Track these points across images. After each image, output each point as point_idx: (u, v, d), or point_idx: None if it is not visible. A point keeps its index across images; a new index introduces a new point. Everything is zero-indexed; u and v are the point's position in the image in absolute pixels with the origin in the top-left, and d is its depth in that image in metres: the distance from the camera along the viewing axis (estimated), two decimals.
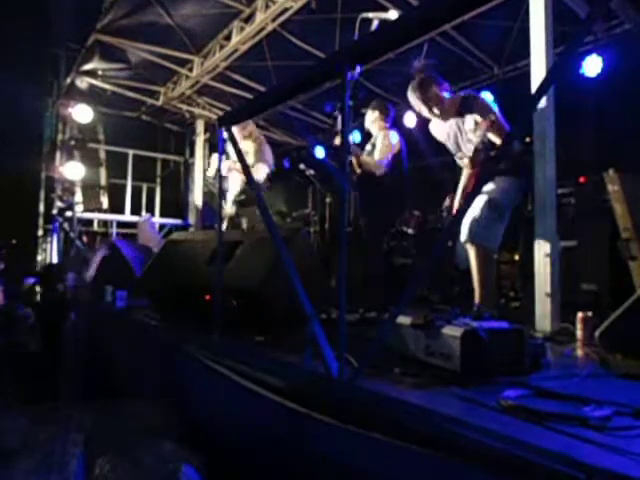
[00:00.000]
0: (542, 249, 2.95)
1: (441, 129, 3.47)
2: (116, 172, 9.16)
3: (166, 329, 3.25)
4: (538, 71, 3.04)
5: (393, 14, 3.23)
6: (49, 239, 8.44)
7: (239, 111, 3.05)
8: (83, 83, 7.83)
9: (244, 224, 4.70)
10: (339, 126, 4.14)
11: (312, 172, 5.39)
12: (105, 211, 9.09)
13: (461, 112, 3.28)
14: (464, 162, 3.21)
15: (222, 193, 3.10)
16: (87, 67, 7.41)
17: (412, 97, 3.36)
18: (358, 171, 4.44)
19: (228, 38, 6.34)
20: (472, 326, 1.77)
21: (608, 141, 5.06)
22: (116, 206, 9.09)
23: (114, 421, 2.44)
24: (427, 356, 1.87)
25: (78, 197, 8.56)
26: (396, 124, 4.87)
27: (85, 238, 8.72)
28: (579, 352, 2.36)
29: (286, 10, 5.48)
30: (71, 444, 2.14)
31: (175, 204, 9.68)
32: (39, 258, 8.62)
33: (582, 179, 4.14)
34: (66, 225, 8.19)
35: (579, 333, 2.51)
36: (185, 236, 5.06)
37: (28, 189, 8.60)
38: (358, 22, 3.16)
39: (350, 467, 1.53)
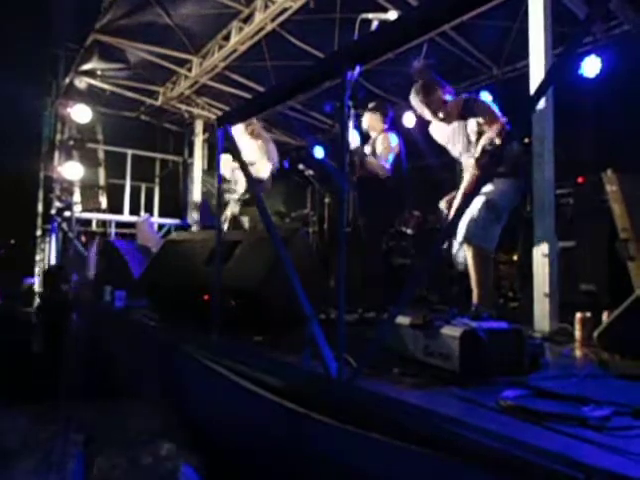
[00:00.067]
0: (541, 249, 2.96)
1: (442, 132, 3.46)
2: (115, 172, 9.15)
3: (165, 329, 3.25)
4: (537, 72, 3.04)
5: (393, 15, 3.23)
6: (48, 239, 8.43)
7: (238, 111, 3.05)
8: (82, 83, 7.82)
9: (246, 224, 4.68)
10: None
11: (311, 172, 5.39)
12: (104, 211, 9.07)
13: (463, 115, 3.27)
14: (469, 162, 3.19)
15: (221, 193, 3.09)
16: (86, 67, 7.40)
17: (415, 100, 3.36)
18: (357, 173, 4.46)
19: (227, 38, 6.34)
20: (471, 326, 1.77)
21: (607, 142, 5.06)
22: (115, 206, 9.07)
23: (113, 421, 2.44)
24: (426, 356, 1.87)
25: (77, 197, 8.55)
26: (395, 124, 4.87)
27: (84, 238, 8.71)
28: (578, 352, 2.36)
29: (285, 10, 5.47)
30: (70, 444, 2.14)
31: (174, 204, 9.67)
32: (37, 258, 8.61)
33: (581, 179, 4.14)
34: (65, 225, 8.18)
35: (578, 333, 2.51)
36: (184, 236, 5.05)
37: (27, 189, 8.58)
38: (358, 23, 3.15)
39: (349, 467, 1.53)
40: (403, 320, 1.98)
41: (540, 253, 2.96)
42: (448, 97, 3.28)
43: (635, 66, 4.71)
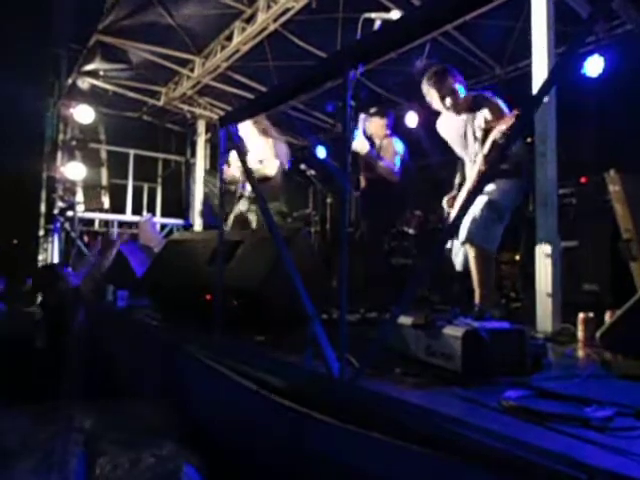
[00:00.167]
0: (543, 249, 2.95)
1: (449, 126, 3.43)
2: (117, 172, 9.17)
3: (167, 329, 3.25)
4: (540, 71, 3.03)
5: (395, 14, 3.22)
6: (50, 239, 8.45)
7: (240, 111, 3.05)
8: (84, 83, 7.84)
9: (253, 223, 4.66)
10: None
11: (313, 172, 5.40)
12: (106, 211, 9.09)
13: (472, 109, 3.27)
14: (478, 158, 3.17)
15: (222, 193, 3.09)
16: (88, 67, 7.42)
17: (426, 85, 3.33)
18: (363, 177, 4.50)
19: (229, 38, 6.34)
20: (473, 326, 1.77)
21: (609, 141, 5.05)
22: (117, 206, 9.09)
23: (115, 421, 2.44)
24: (428, 356, 1.87)
25: (79, 197, 8.58)
26: (397, 128, 4.89)
27: (86, 238, 8.74)
28: (580, 352, 2.35)
29: (287, 10, 5.47)
30: (72, 444, 2.14)
31: (176, 204, 9.69)
32: (40, 258, 8.63)
33: (583, 179, 4.14)
34: (67, 225, 8.20)
35: (580, 334, 2.51)
36: (186, 236, 5.06)
37: (29, 189, 8.61)
38: (360, 22, 3.15)
39: (350, 467, 1.53)
40: (405, 320, 1.98)
41: (542, 253, 2.95)
42: (458, 86, 3.27)
43: (638, 66, 4.70)
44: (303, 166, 5.35)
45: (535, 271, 2.99)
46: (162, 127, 9.42)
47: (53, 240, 8.36)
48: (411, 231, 4.61)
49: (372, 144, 4.53)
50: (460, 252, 3.30)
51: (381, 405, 1.54)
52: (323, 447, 1.63)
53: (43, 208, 8.55)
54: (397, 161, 4.45)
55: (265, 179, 4.53)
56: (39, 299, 6.03)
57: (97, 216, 9.01)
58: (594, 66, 5.15)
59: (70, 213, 8.18)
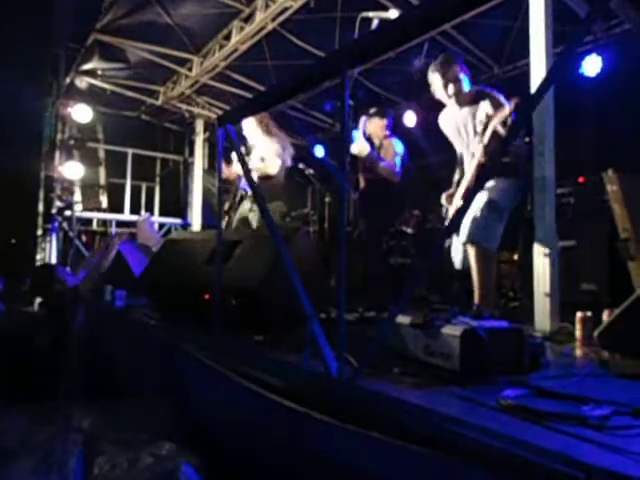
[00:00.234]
0: (541, 249, 2.95)
1: (451, 120, 3.43)
2: (115, 171, 9.16)
3: (165, 328, 3.25)
4: (538, 71, 3.04)
5: (393, 13, 3.23)
6: (48, 238, 8.43)
7: (239, 110, 3.05)
8: (83, 83, 7.83)
9: (254, 223, 4.68)
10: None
11: (311, 171, 5.40)
12: (104, 210, 9.08)
13: (475, 100, 3.27)
14: (478, 148, 3.16)
15: (221, 192, 3.09)
16: (87, 67, 7.41)
17: (431, 70, 3.35)
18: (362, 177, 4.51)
19: (228, 38, 6.34)
20: (472, 325, 1.77)
21: (607, 141, 5.06)
22: (115, 205, 9.08)
23: (114, 421, 2.44)
24: (426, 355, 1.87)
25: (77, 196, 8.55)
26: (396, 128, 4.90)
27: (84, 237, 8.73)
28: (578, 352, 2.36)
29: (286, 9, 5.48)
30: (71, 443, 2.14)
31: (174, 203, 9.69)
32: (38, 257, 8.61)
33: (581, 179, 4.15)
34: (65, 224, 8.19)
35: (578, 333, 2.51)
36: (184, 235, 5.06)
37: (27, 189, 8.58)
38: (358, 21, 3.15)
39: (350, 467, 1.53)
40: (403, 319, 1.98)
41: (541, 252, 2.95)
42: (463, 76, 3.28)
43: (636, 65, 4.70)
44: (302, 165, 5.36)
45: (533, 270, 2.99)
46: (160, 126, 9.41)
47: (51, 240, 8.35)
48: (409, 230, 4.62)
49: (371, 144, 4.54)
50: (460, 250, 3.30)
51: (379, 405, 1.54)
52: (322, 447, 1.63)
53: (41, 207, 8.52)
54: (398, 161, 4.47)
55: (267, 177, 4.59)
56: (38, 299, 6.02)
57: (95, 215, 9.00)
58: (592, 66, 5.16)
59: (68, 212, 8.17)
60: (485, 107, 3.15)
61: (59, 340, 4.56)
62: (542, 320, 2.88)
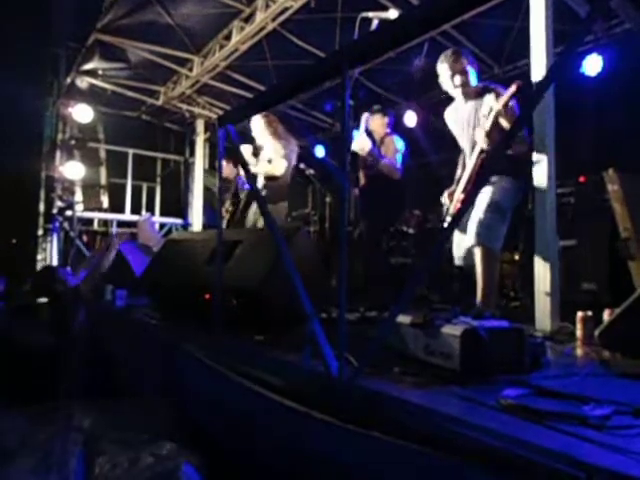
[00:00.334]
0: (542, 248, 2.95)
1: (457, 115, 3.43)
2: (116, 171, 9.16)
3: (166, 328, 3.25)
4: (538, 70, 3.04)
5: (393, 13, 3.23)
6: (49, 239, 8.43)
7: (239, 110, 3.04)
8: (83, 83, 7.83)
9: (259, 222, 4.73)
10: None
11: (312, 171, 5.40)
12: (105, 210, 9.08)
13: (481, 94, 3.28)
14: (480, 136, 3.14)
15: (222, 192, 3.09)
16: (87, 67, 7.42)
17: (440, 61, 3.36)
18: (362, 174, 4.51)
19: (228, 38, 6.34)
20: (472, 325, 1.77)
21: (608, 140, 5.06)
22: (116, 205, 9.09)
23: (114, 420, 2.44)
24: (427, 355, 1.87)
25: (78, 196, 8.56)
26: (396, 128, 4.90)
27: (85, 237, 8.73)
28: (579, 351, 2.36)
29: (286, 10, 5.48)
30: (71, 443, 2.14)
31: (175, 203, 9.69)
32: (39, 257, 8.62)
33: (582, 179, 4.14)
34: (66, 224, 8.19)
35: (579, 332, 2.51)
36: (185, 235, 5.06)
37: (28, 188, 8.58)
38: (358, 21, 3.15)
39: (350, 466, 1.53)
40: (404, 319, 1.98)
41: (541, 252, 2.95)
42: (470, 69, 3.29)
43: (636, 65, 4.70)
44: (302, 165, 5.36)
45: (534, 270, 2.99)
46: (161, 126, 9.42)
47: (52, 240, 8.35)
48: (410, 230, 4.62)
49: (373, 141, 4.55)
50: (461, 247, 3.30)
51: (380, 404, 1.54)
52: (322, 446, 1.63)
53: (42, 207, 8.52)
54: (399, 158, 4.47)
55: (273, 178, 4.72)
56: (40, 300, 6.03)
57: (96, 215, 9.01)
58: (593, 65, 5.16)
59: (69, 212, 8.17)
60: (489, 100, 3.16)
61: (60, 340, 4.56)
62: (543, 320, 2.88)
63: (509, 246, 3.97)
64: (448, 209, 3.46)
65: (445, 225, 3.45)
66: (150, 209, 9.38)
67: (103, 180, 9.19)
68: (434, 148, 6.71)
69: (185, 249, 3.81)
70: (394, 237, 4.62)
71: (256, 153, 4.83)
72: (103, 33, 6.45)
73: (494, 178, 3.13)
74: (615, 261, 3.34)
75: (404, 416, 1.44)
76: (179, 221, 9.54)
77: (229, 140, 2.76)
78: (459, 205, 3.28)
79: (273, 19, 5.69)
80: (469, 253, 3.20)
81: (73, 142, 8.40)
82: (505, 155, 2.82)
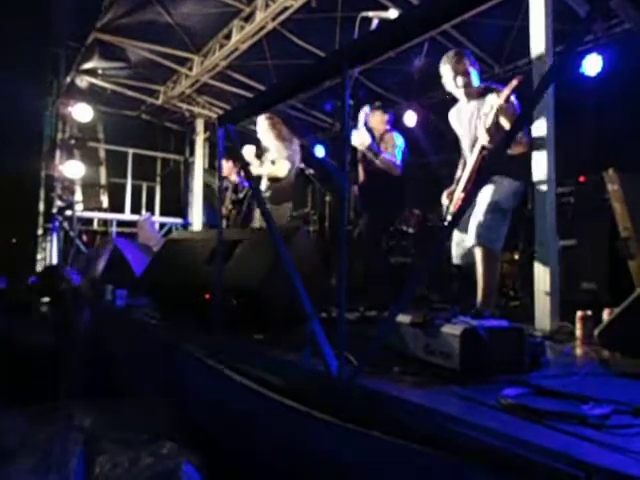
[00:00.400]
0: (542, 248, 2.95)
1: (460, 116, 3.43)
2: (116, 171, 9.17)
3: (166, 328, 3.26)
4: (538, 70, 3.04)
5: (393, 13, 3.23)
6: (49, 238, 8.44)
7: (239, 110, 3.04)
8: (83, 82, 7.83)
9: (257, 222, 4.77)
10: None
11: (312, 171, 5.40)
12: (105, 210, 9.09)
13: (482, 94, 3.29)
14: (482, 132, 3.12)
15: (221, 191, 3.09)
16: (87, 66, 7.42)
17: (442, 62, 3.38)
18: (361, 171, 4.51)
19: (228, 37, 6.34)
20: (472, 325, 1.77)
21: (608, 140, 5.06)
22: (116, 205, 9.09)
23: (114, 420, 2.44)
24: (427, 355, 1.87)
25: (78, 196, 8.56)
26: (396, 126, 4.90)
27: (85, 237, 8.73)
28: (578, 351, 2.36)
29: (286, 9, 5.48)
30: (71, 443, 2.14)
31: (175, 203, 9.69)
32: (39, 257, 8.62)
33: (582, 178, 4.14)
34: (66, 224, 8.19)
35: (578, 332, 2.51)
36: (185, 235, 5.06)
37: (28, 188, 8.58)
38: (358, 21, 3.16)
39: (350, 466, 1.53)
40: (404, 318, 1.98)
41: (541, 252, 2.95)
42: (472, 70, 3.30)
43: (636, 64, 4.70)
44: (302, 165, 5.36)
45: (534, 270, 2.99)
46: (161, 126, 9.42)
47: (52, 239, 8.35)
48: (410, 230, 4.62)
49: (372, 137, 4.56)
50: (461, 246, 3.30)
51: (380, 404, 1.55)
52: (322, 446, 1.64)
53: (42, 207, 8.53)
54: (398, 154, 4.47)
55: (276, 180, 4.78)
56: (42, 299, 6.03)
57: (96, 215, 9.01)
58: (592, 65, 5.16)
59: (69, 212, 8.17)
60: (491, 100, 3.16)
61: (60, 339, 4.56)
62: (542, 319, 2.88)
63: (509, 246, 3.96)
64: (448, 209, 3.46)
65: (445, 224, 3.45)
66: (150, 209, 9.39)
67: (103, 180, 9.19)
68: (434, 148, 6.71)
69: (185, 249, 3.81)
70: (394, 236, 4.62)
71: (259, 154, 4.89)
72: (103, 32, 6.45)
73: (494, 178, 3.13)
74: (615, 261, 3.34)
75: (404, 415, 1.44)
76: (179, 221, 9.54)
77: (229, 139, 2.77)
78: (459, 204, 3.28)
79: (273, 18, 5.69)
80: (469, 252, 3.20)
81: (73, 141, 8.40)
82: (505, 155, 2.82)
